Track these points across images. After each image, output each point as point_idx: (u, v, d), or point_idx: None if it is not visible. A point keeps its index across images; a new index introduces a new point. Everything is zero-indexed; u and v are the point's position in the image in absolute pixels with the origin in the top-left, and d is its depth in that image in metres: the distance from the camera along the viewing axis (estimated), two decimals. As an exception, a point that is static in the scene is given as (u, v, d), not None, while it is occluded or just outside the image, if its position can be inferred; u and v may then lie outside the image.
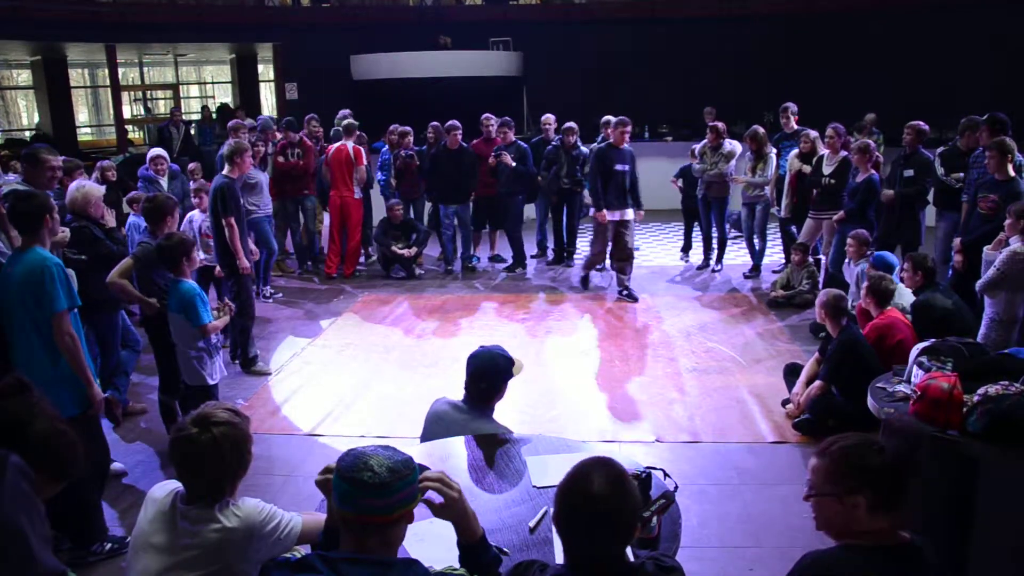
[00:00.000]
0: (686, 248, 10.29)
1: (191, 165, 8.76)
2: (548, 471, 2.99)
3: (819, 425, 5.17)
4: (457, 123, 9.32)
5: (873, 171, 7.56)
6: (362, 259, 10.21)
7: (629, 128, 8.28)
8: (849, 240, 6.94)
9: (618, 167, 8.14)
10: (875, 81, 13.19)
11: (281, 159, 9.42)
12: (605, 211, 8.23)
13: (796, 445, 5.15)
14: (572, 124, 9.50)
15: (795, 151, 8.58)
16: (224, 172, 6.69)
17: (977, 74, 12.79)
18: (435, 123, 9.98)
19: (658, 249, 11.00)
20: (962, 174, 7.22)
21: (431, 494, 2.09)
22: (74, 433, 2.33)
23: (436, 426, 3.37)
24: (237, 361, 6.72)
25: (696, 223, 9.92)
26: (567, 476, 1.97)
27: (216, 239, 6.58)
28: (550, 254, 10.34)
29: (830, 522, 2.13)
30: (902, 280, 5.78)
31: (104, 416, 5.48)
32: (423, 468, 2.10)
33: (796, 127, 8.98)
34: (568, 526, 1.93)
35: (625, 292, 8.50)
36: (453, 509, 2.09)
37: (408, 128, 10.03)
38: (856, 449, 2.12)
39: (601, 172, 8.15)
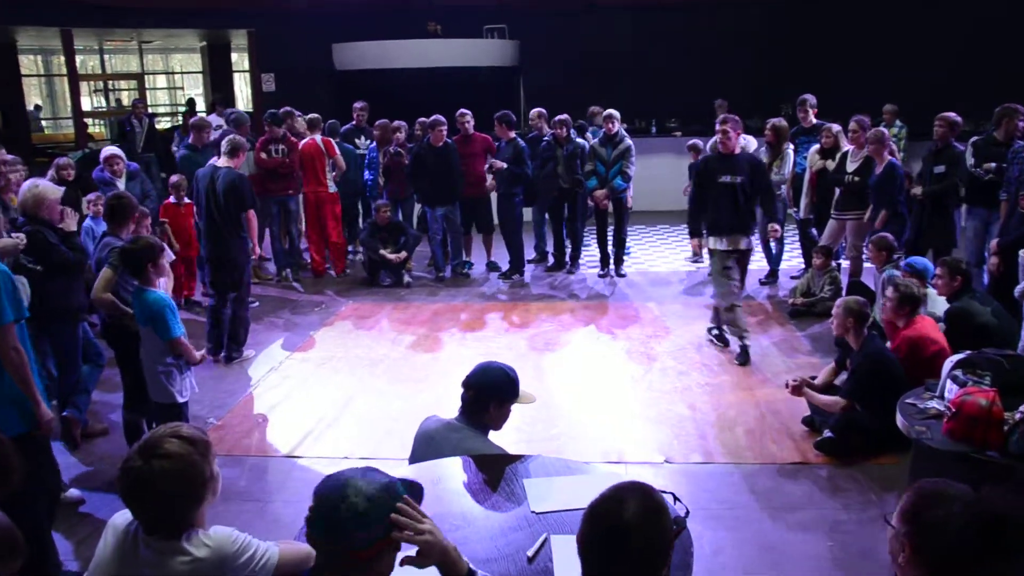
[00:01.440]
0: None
1: (174, 178, 8.56)
2: (548, 495, 2.97)
3: (843, 444, 5.16)
4: (442, 119, 9.33)
5: (891, 157, 7.56)
6: (350, 254, 10.34)
7: (731, 129, 6.83)
8: (869, 245, 6.95)
9: (724, 179, 6.84)
10: (901, 69, 13.20)
11: (264, 155, 9.43)
12: (703, 239, 7.08)
13: (818, 466, 5.14)
14: (564, 116, 9.51)
15: (815, 147, 8.59)
16: (225, 163, 7.19)
17: (1016, 60, 12.79)
18: (422, 119, 10.00)
19: (666, 253, 11.01)
20: (993, 164, 7.22)
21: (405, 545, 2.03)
22: (9, 442, 2.30)
23: (426, 448, 3.35)
24: (222, 355, 7.18)
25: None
26: (599, 497, 1.96)
27: (218, 231, 7.07)
28: (550, 259, 10.35)
29: (892, 555, 2.05)
30: (934, 286, 5.78)
31: (61, 437, 5.46)
32: (413, 485, 2.08)
33: (815, 121, 8.99)
34: (590, 551, 1.90)
35: (716, 332, 7.40)
36: (429, 554, 2.02)
37: (401, 122, 10.06)
38: (930, 498, 1.98)
39: (697, 185, 7.18)
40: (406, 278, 9.65)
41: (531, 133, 10.16)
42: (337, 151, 9.64)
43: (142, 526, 2.28)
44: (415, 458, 3.38)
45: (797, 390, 5.48)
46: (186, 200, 8.37)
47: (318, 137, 9.62)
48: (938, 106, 7.93)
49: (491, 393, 3.41)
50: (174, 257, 6.69)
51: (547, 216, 10.18)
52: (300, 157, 9.57)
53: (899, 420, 4.13)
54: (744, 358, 6.84)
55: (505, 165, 9.39)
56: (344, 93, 13.28)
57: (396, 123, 10.08)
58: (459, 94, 11.82)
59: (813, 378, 5.78)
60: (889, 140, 7.77)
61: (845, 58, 13.67)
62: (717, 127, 6.96)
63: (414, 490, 2.08)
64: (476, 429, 3.39)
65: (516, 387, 3.46)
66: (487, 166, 9.56)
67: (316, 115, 9.86)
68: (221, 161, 7.26)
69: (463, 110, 9.69)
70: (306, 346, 7.65)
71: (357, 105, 10.86)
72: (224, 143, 7.39)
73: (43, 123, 19.37)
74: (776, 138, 8.74)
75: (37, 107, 18.74)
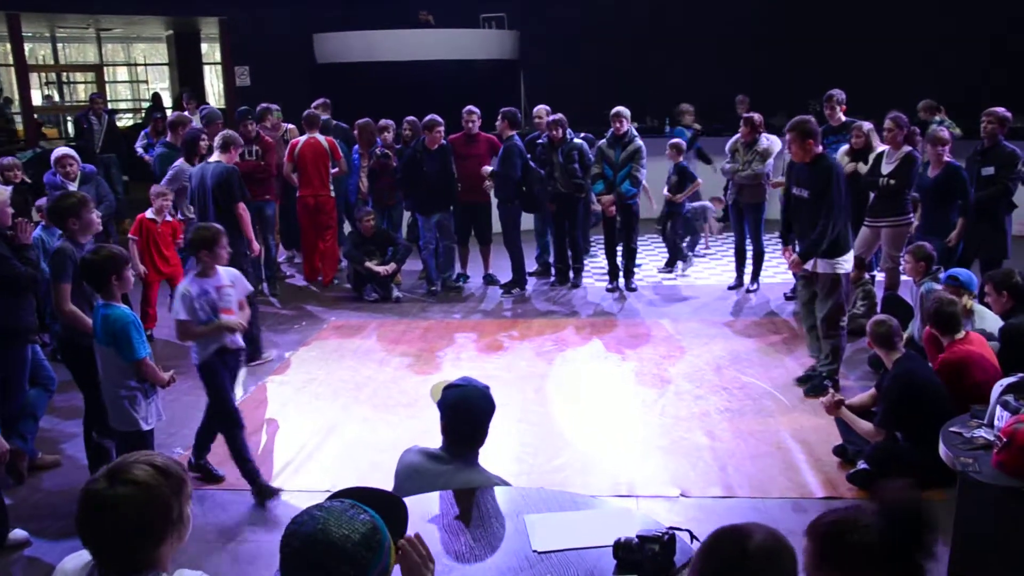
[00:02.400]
0: (672, 263, 10.52)
1: (156, 189, 8.25)
2: (551, 532, 2.96)
3: (879, 477, 5.12)
4: (438, 119, 9.35)
5: (950, 159, 7.53)
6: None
7: (807, 136, 6.49)
8: (906, 256, 6.94)
9: (795, 191, 6.74)
10: (938, 61, 13.23)
11: (237, 159, 9.43)
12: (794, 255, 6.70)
13: (852, 502, 5.12)
14: (558, 116, 9.52)
15: (845, 147, 8.61)
16: (217, 158, 7.63)
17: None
18: (411, 118, 10.03)
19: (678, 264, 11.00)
20: None
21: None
22: None
23: (411, 483, 3.32)
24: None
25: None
26: (714, 533, 1.97)
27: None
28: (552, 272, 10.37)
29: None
30: (985, 303, 5.76)
31: (5, 471, 5.41)
32: (391, 509, 2.09)
33: (844, 119, 9.00)
34: None
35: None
36: None
37: (388, 121, 10.08)
38: (841, 525, 2.13)
39: (785, 192, 7.09)
40: (395, 292, 9.65)
41: (531, 133, 10.18)
42: (341, 154, 9.94)
43: (97, 564, 2.25)
44: (399, 494, 3.36)
45: (835, 407, 5.43)
46: (169, 216, 8.17)
47: (320, 136, 9.85)
48: (982, 100, 7.92)
49: (488, 419, 3.41)
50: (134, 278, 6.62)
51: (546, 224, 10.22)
52: (297, 157, 9.70)
53: (942, 450, 4.11)
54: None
55: (490, 169, 9.42)
56: (326, 88, 13.31)
57: (383, 122, 10.10)
58: (453, 90, 11.86)
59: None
60: (915, 133, 7.70)
61: (876, 49, 13.70)
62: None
63: (397, 513, 2.08)
64: (466, 458, 3.37)
65: (492, 401, 3.49)
66: (485, 169, 9.59)
67: (315, 111, 10.11)
68: (213, 156, 7.73)
69: (471, 107, 9.74)
70: (284, 368, 7.64)
71: (316, 103, 10.94)
72: (217, 138, 7.84)
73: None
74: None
75: (7, 100, 18.69)
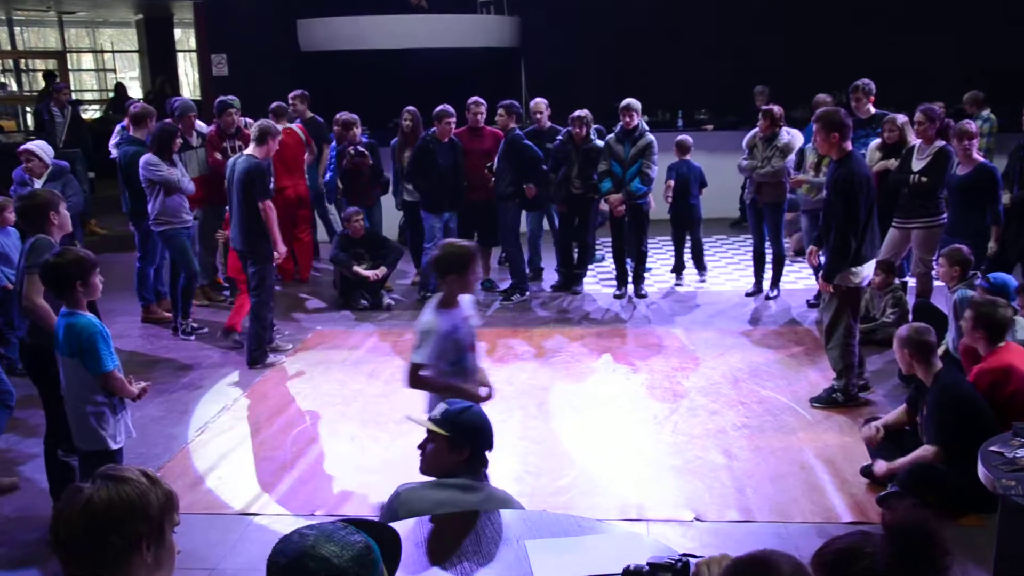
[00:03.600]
0: (678, 268, 10.47)
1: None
2: (555, 560, 2.96)
3: (913, 500, 5.11)
4: (449, 109, 9.41)
5: (981, 158, 7.54)
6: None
7: (832, 127, 6.38)
8: (940, 260, 6.94)
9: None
10: (977, 51, 13.21)
11: (218, 155, 9.44)
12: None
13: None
14: (583, 112, 9.50)
15: (875, 142, 8.61)
16: (250, 152, 7.71)
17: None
18: (411, 108, 10.05)
19: (693, 269, 10.98)
20: None
21: None
22: None
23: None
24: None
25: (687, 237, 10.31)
26: (734, 564, 2.03)
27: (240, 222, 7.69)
28: (546, 277, 10.37)
29: None
30: None
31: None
32: (384, 537, 2.09)
33: (874, 111, 9.00)
34: None
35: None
36: None
37: (353, 116, 10.04)
38: (846, 554, 2.16)
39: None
40: (386, 299, 9.66)
41: (530, 127, 10.18)
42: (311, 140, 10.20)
43: (62, 566, 2.24)
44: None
45: (877, 438, 5.40)
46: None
47: (292, 125, 10.10)
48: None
49: (490, 435, 3.44)
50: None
51: (547, 226, 10.21)
52: (283, 150, 9.70)
53: (981, 471, 4.10)
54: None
55: (493, 165, 9.45)
56: (310, 78, 13.31)
57: (345, 115, 10.02)
58: (448, 80, 11.87)
59: (871, 419, 5.75)
60: (973, 132, 7.71)
61: (908, 35, 13.68)
62: None
63: (389, 545, 2.08)
64: (486, 478, 3.41)
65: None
66: (489, 168, 9.59)
67: (281, 103, 10.24)
68: (248, 149, 7.83)
69: (477, 99, 9.76)
70: (266, 381, 7.65)
71: (294, 94, 10.96)
72: (253, 128, 7.93)
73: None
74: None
75: (1, 85, 18.61)
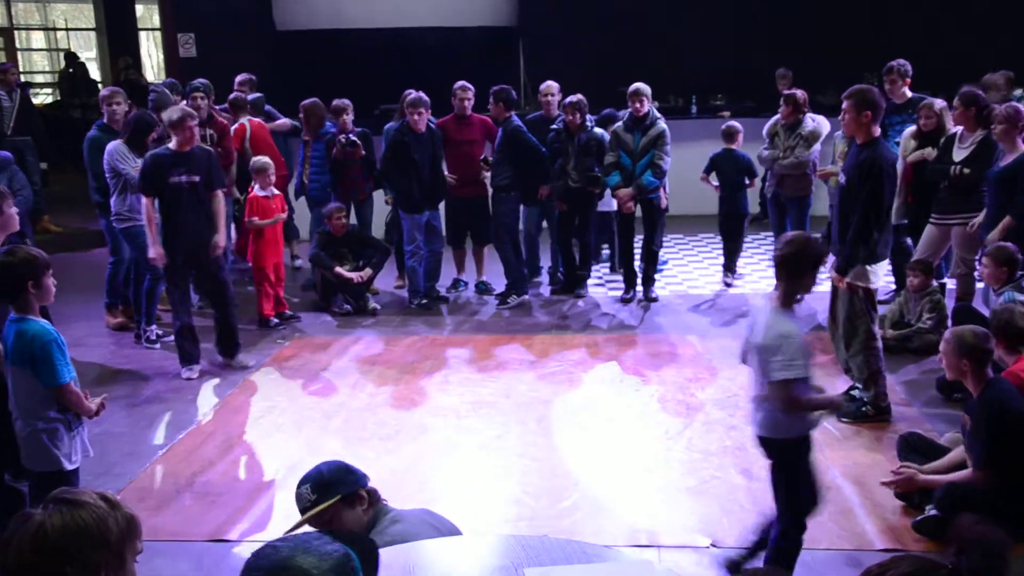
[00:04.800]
0: (730, 267, 10.44)
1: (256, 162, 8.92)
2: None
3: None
4: (423, 96, 9.30)
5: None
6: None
7: (864, 106, 6.35)
8: (985, 260, 6.93)
9: (841, 178, 6.90)
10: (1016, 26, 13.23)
11: None
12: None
13: (920, 555, 5.09)
14: (575, 98, 9.47)
15: (910, 129, 8.59)
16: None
17: None
18: (413, 91, 10.07)
19: (709, 269, 11.06)
20: None
21: None
22: None
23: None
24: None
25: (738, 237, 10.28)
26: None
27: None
28: (545, 278, 10.42)
29: None
30: None
31: None
32: (365, 549, 2.10)
33: (911, 95, 8.97)
34: None
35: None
36: None
37: (345, 102, 10.03)
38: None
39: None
40: (371, 303, 9.65)
41: (532, 113, 10.16)
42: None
43: None
44: None
45: (910, 483, 5.36)
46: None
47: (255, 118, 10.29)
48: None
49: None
50: None
51: (545, 223, 10.23)
52: (250, 143, 9.94)
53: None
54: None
55: (488, 158, 9.46)
56: (287, 60, 13.33)
57: (339, 101, 10.04)
58: (439, 63, 11.90)
59: (913, 436, 5.72)
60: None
61: (946, 12, 13.69)
62: None
63: (366, 553, 2.09)
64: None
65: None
66: (484, 160, 9.60)
67: (240, 95, 10.52)
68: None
69: (464, 83, 9.74)
70: (239, 393, 7.64)
71: (239, 78, 11.03)
72: (169, 112, 7.85)
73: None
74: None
75: None
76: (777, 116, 9.46)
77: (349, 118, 10.00)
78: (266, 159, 9.28)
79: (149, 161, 7.72)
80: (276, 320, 9.22)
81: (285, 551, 2.02)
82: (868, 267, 6.44)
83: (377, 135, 10.35)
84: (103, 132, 8.77)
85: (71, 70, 17.82)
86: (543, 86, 10.09)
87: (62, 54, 21.26)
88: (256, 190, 9.13)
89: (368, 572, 2.27)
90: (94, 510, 2.21)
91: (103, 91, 9.12)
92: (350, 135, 9.83)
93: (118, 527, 2.24)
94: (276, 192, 9.29)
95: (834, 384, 7.37)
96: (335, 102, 10.09)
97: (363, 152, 9.83)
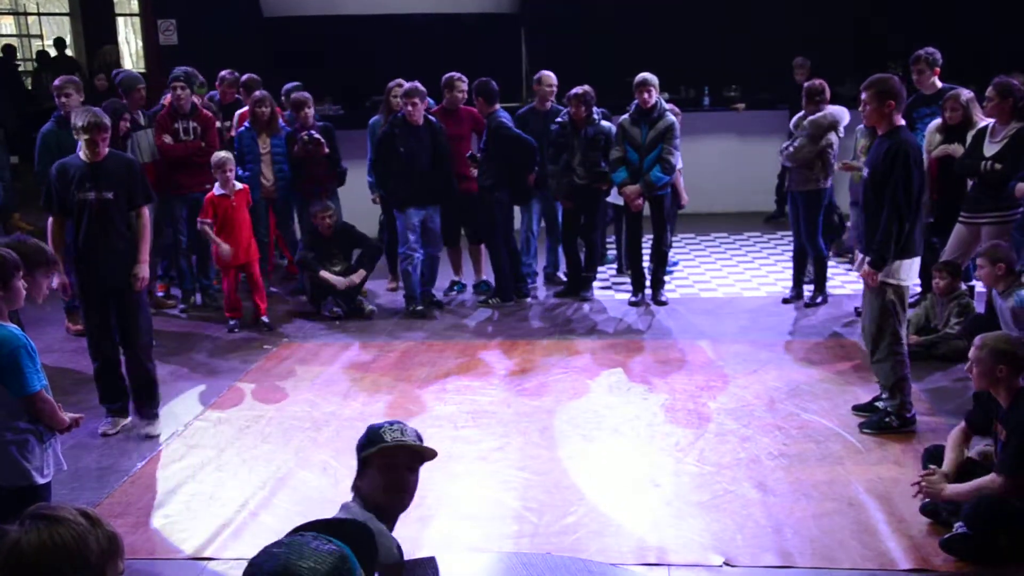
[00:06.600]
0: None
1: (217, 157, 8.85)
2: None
3: (984, 543, 5.09)
4: (417, 86, 9.31)
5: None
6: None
7: (885, 95, 6.40)
8: (980, 260, 6.94)
9: (865, 172, 6.96)
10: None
11: (168, 139, 9.43)
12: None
13: (947, 575, 5.10)
14: (581, 89, 9.47)
15: (935, 123, 8.57)
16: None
17: None
18: (404, 82, 10.08)
19: (723, 271, 11.05)
20: None
21: None
22: None
23: None
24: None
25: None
26: None
27: None
28: (540, 280, 10.43)
29: None
30: None
31: None
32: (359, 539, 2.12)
33: (940, 85, 8.92)
34: None
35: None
36: None
37: (305, 95, 10.05)
38: None
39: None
40: (367, 305, 9.67)
41: (524, 106, 10.15)
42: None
43: None
44: None
45: (935, 492, 5.35)
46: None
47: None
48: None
49: None
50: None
51: (545, 223, 10.23)
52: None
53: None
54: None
55: (474, 155, 9.48)
56: (275, 49, 13.32)
57: (299, 95, 10.05)
58: (436, 52, 11.90)
59: (938, 448, 5.72)
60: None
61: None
62: None
63: (363, 544, 2.11)
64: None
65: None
66: (469, 155, 9.59)
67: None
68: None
69: (457, 74, 9.73)
70: (223, 402, 7.64)
71: (223, 73, 11.06)
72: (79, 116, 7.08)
73: None
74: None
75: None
76: (803, 112, 9.38)
77: (310, 112, 9.97)
78: (225, 153, 9.24)
79: (53, 173, 6.91)
80: (235, 323, 9.23)
81: (281, 557, 2.05)
82: (901, 262, 6.44)
83: (361, 129, 10.34)
84: (59, 125, 8.51)
85: (54, 57, 17.76)
86: (540, 75, 10.09)
87: (34, 41, 21.32)
88: (216, 188, 9.08)
89: (366, 559, 2.30)
90: (73, 527, 2.21)
91: (56, 80, 8.86)
92: (312, 132, 9.80)
93: (99, 545, 2.24)
94: (240, 186, 9.28)
95: (854, 394, 7.38)
96: (294, 95, 10.06)
97: (327, 150, 9.81)
